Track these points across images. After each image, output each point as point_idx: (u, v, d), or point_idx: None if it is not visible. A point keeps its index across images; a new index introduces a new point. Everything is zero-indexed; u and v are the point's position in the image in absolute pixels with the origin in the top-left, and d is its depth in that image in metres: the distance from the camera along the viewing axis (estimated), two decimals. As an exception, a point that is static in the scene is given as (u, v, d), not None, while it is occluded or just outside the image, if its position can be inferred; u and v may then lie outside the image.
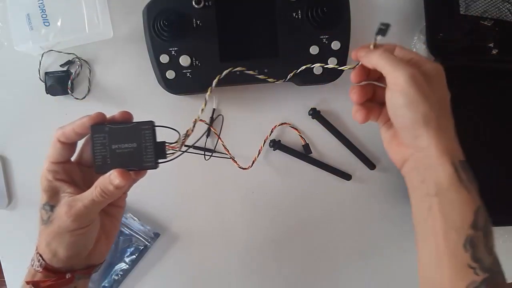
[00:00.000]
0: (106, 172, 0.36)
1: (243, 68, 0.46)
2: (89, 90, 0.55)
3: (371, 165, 0.59)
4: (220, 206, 0.58)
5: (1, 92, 0.55)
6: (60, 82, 0.54)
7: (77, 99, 0.55)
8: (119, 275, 0.57)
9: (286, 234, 0.60)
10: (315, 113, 0.57)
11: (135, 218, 0.57)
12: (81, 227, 0.37)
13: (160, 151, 0.37)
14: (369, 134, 0.59)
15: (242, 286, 0.60)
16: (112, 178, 0.35)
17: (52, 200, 0.38)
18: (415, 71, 0.35)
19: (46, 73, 0.54)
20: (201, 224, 0.58)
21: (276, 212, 0.59)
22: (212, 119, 0.56)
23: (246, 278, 0.60)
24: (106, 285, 0.57)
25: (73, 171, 0.39)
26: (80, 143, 0.40)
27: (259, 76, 0.49)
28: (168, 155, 0.37)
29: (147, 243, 0.57)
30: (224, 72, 0.43)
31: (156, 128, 0.37)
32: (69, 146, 0.38)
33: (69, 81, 0.54)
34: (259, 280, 0.60)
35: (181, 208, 0.58)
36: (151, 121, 0.36)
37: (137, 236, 0.57)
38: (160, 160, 0.37)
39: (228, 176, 0.58)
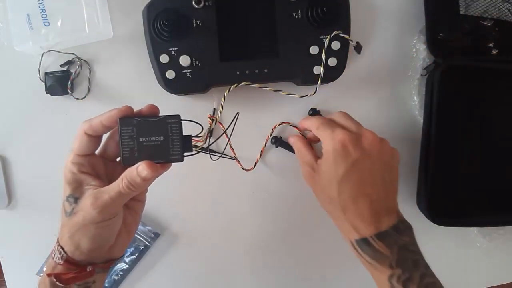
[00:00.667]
0: (133, 164, 0.36)
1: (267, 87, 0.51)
2: (89, 90, 0.55)
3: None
4: (220, 205, 0.58)
5: (1, 92, 0.55)
6: (60, 82, 0.54)
7: (77, 99, 0.55)
8: (119, 275, 0.57)
9: (287, 233, 0.60)
10: (315, 113, 0.57)
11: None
12: (106, 219, 0.37)
13: (186, 144, 0.37)
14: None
15: (243, 286, 0.60)
16: (140, 170, 0.35)
17: (76, 192, 0.37)
18: (306, 168, 0.48)
19: (46, 73, 0.54)
20: (202, 224, 0.58)
21: (277, 211, 0.59)
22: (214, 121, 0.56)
23: (247, 277, 0.60)
24: (106, 285, 0.57)
25: (97, 164, 0.40)
26: (104, 137, 0.40)
27: (282, 92, 0.52)
28: (193, 148, 0.38)
29: (147, 243, 0.57)
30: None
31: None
32: (95, 139, 0.38)
33: (69, 81, 0.54)
34: (260, 280, 0.60)
35: (181, 208, 0.58)
36: (177, 115, 0.37)
37: (137, 236, 0.57)
38: (185, 154, 0.37)
39: (228, 175, 0.58)
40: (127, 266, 0.57)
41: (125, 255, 0.57)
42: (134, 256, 0.57)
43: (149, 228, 0.57)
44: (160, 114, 0.38)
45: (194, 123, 0.41)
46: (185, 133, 0.38)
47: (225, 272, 0.59)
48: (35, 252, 0.55)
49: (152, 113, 0.38)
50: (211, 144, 0.55)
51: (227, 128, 0.51)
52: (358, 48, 0.53)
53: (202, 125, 0.41)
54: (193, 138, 0.39)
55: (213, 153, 0.56)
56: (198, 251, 0.59)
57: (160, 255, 0.58)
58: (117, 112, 0.36)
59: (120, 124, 0.36)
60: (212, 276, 0.59)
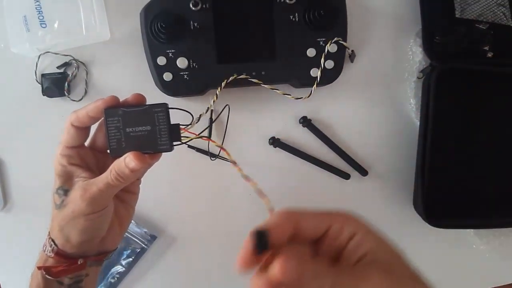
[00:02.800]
0: (121, 156, 0.35)
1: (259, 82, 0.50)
2: (86, 92, 0.55)
3: (363, 172, 0.59)
4: (218, 207, 0.58)
5: (-3, 93, 0.55)
6: (56, 84, 0.54)
7: (74, 101, 0.55)
8: (115, 278, 0.57)
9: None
10: (305, 122, 0.57)
11: (132, 220, 0.56)
12: (95, 211, 0.36)
13: (174, 134, 0.36)
14: (360, 141, 0.59)
15: (239, 288, 0.60)
16: (127, 161, 0.35)
17: (66, 184, 0.37)
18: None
19: (43, 75, 0.54)
20: (199, 227, 0.58)
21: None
22: (211, 120, 0.56)
23: (244, 280, 0.59)
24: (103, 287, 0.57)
25: (87, 156, 0.39)
26: (93, 128, 0.40)
27: (279, 91, 0.51)
28: (182, 138, 0.37)
29: (143, 245, 0.57)
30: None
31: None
32: (83, 130, 0.38)
33: (66, 83, 0.54)
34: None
35: (178, 210, 0.58)
36: (164, 103, 0.36)
37: (133, 238, 0.57)
38: (174, 143, 0.37)
39: (226, 177, 0.58)
40: (124, 269, 0.57)
41: (122, 258, 0.57)
42: (130, 259, 0.57)
43: (145, 230, 0.57)
44: (147, 103, 0.37)
45: (184, 111, 0.39)
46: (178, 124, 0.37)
47: (223, 275, 0.59)
48: (30, 255, 0.54)
49: (138, 102, 0.37)
50: (189, 140, 0.55)
51: (203, 130, 0.51)
52: (352, 56, 0.54)
53: (192, 114, 0.40)
54: (183, 128, 0.37)
55: (209, 155, 0.56)
56: (195, 253, 0.59)
57: (157, 258, 0.58)
58: (102, 102, 0.36)
59: (106, 115, 0.36)
60: (209, 278, 0.59)
